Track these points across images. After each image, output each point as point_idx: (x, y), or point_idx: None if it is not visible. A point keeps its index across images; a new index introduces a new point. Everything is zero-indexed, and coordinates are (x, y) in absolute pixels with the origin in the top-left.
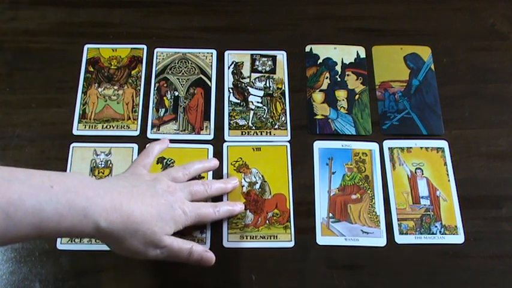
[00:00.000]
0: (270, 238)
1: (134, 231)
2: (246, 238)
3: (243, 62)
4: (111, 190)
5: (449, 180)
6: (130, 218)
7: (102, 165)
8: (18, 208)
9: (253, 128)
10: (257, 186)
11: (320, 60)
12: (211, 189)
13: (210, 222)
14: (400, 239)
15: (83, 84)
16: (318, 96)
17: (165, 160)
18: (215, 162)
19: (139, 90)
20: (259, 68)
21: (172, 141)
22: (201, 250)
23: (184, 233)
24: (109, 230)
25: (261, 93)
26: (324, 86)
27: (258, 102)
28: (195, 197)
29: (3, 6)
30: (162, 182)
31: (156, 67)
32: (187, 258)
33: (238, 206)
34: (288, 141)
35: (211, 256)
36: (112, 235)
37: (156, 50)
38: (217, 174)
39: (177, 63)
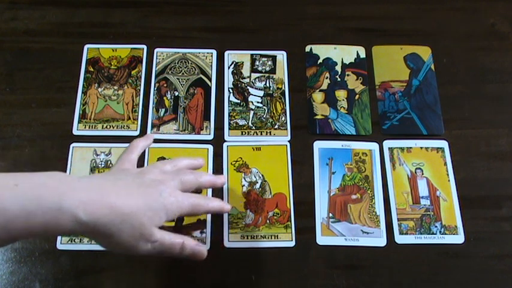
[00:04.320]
0: (271, 238)
1: (120, 223)
2: (247, 238)
3: (243, 62)
4: (90, 183)
5: (449, 180)
6: (114, 209)
7: (102, 166)
8: None
9: (253, 128)
10: (257, 185)
11: (320, 60)
12: (201, 178)
13: (202, 213)
14: (400, 239)
15: (83, 84)
16: (318, 96)
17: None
18: (201, 161)
19: (139, 90)
20: (259, 68)
21: (172, 141)
22: (193, 244)
23: (184, 233)
24: (92, 224)
25: (261, 93)
26: (324, 86)
27: (258, 102)
28: (186, 185)
29: (3, 6)
30: (150, 172)
31: (156, 67)
32: (180, 253)
33: (228, 205)
34: (288, 141)
35: (203, 250)
36: (97, 229)
37: (156, 50)
38: (218, 174)
39: (177, 63)
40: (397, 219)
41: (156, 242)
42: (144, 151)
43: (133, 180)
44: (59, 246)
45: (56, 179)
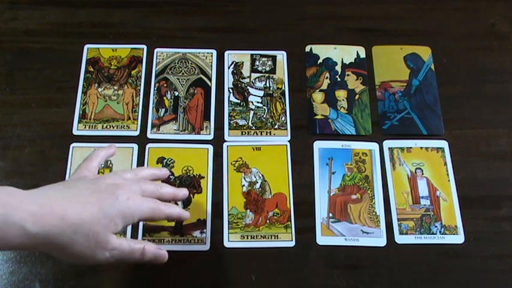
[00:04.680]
0: (271, 238)
1: (73, 233)
2: (247, 238)
3: (243, 62)
4: (39, 195)
5: (449, 180)
6: (65, 219)
7: (102, 165)
8: None
9: (253, 128)
10: (257, 185)
11: (320, 60)
12: (162, 189)
13: (161, 219)
14: (400, 239)
15: (83, 84)
16: (318, 96)
17: (165, 160)
18: (165, 172)
19: (139, 90)
20: (259, 68)
21: (172, 141)
22: (154, 249)
23: (184, 233)
24: (42, 236)
25: (261, 93)
26: (324, 86)
27: (258, 102)
28: (146, 194)
29: (3, 6)
30: (107, 178)
31: (156, 67)
32: (141, 258)
33: (187, 214)
34: (288, 141)
35: (164, 254)
36: (48, 241)
37: (156, 50)
38: (218, 174)
39: (177, 63)
40: (397, 219)
41: (114, 249)
42: (144, 151)
43: (86, 187)
44: None
45: (2, 192)
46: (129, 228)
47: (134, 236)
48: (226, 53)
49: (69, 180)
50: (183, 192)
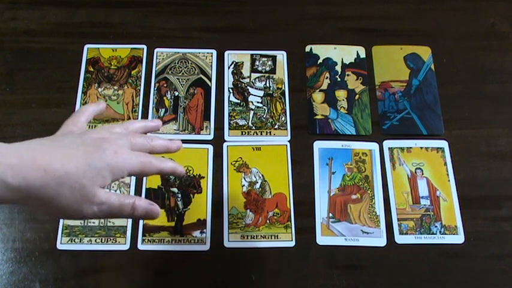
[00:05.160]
0: (271, 238)
1: (57, 186)
2: (247, 238)
3: (243, 62)
4: (22, 148)
5: (449, 180)
6: (48, 171)
7: None
8: None
9: (253, 128)
10: (257, 185)
11: (320, 60)
12: (153, 142)
13: (153, 173)
14: (400, 239)
15: (83, 84)
16: (318, 96)
17: None
18: (157, 123)
19: (139, 90)
20: (259, 68)
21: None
22: (145, 204)
23: (184, 233)
24: (24, 189)
25: (261, 93)
26: (324, 86)
27: (258, 102)
28: (135, 148)
29: (3, 6)
30: (94, 132)
31: (156, 67)
32: (131, 214)
33: (181, 168)
34: (288, 141)
35: (156, 209)
36: (31, 194)
37: (156, 50)
38: (218, 174)
39: (177, 63)
40: (397, 219)
41: (102, 204)
42: None
43: (72, 141)
44: (59, 246)
45: None
46: (129, 228)
47: (134, 235)
48: (226, 53)
49: (55, 135)
50: (177, 144)
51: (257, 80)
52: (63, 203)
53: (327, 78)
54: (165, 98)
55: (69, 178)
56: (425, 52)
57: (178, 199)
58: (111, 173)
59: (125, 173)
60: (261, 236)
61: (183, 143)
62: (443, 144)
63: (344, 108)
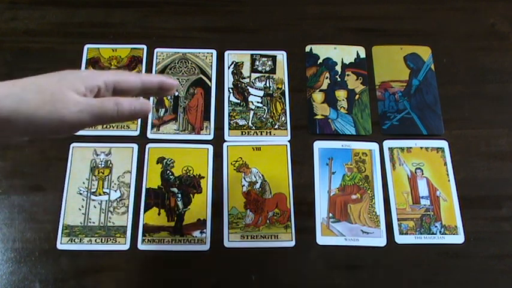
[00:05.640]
0: (271, 238)
1: (22, 91)
2: (247, 238)
3: (243, 62)
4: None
5: (449, 180)
6: (16, 83)
7: (102, 165)
8: None
9: (253, 128)
10: (257, 185)
11: (320, 60)
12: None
13: (135, 85)
14: (400, 239)
15: None
16: (318, 96)
17: (165, 160)
18: (176, 82)
19: None
20: (259, 68)
21: (172, 141)
22: (130, 100)
23: (184, 233)
24: None
25: (261, 93)
26: (324, 86)
27: (258, 102)
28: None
29: (3, 6)
30: None
31: (156, 67)
32: (118, 111)
33: (170, 80)
34: (288, 141)
35: (145, 103)
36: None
37: (156, 50)
38: (218, 174)
39: (177, 63)
40: (397, 219)
41: (79, 103)
42: (144, 151)
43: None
44: (59, 246)
45: None
46: (129, 228)
47: (134, 235)
48: (226, 53)
49: None
50: (172, 81)
51: (257, 80)
52: (31, 107)
53: (327, 78)
54: (165, 98)
55: (34, 82)
56: (425, 52)
57: (178, 199)
58: (82, 81)
59: (100, 81)
60: (261, 236)
61: (183, 143)
62: (443, 144)
63: (344, 108)
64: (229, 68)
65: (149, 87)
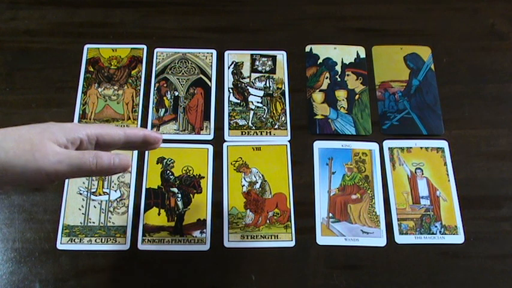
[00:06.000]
0: (271, 238)
1: (1, 140)
2: (247, 238)
3: (243, 62)
4: None
5: (449, 180)
6: None
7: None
8: None
9: (253, 128)
10: (257, 185)
11: (320, 60)
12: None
13: (119, 138)
14: (400, 239)
15: (83, 84)
16: (318, 96)
17: (165, 160)
18: (160, 136)
19: (139, 90)
20: (259, 68)
21: (172, 141)
22: (109, 154)
23: (184, 233)
24: None
25: (261, 93)
26: (324, 86)
27: (258, 102)
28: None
29: (3, 6)
30: None
31: (156, 67)
32: (96, 163)
33: (154, 134)
34: (288, 141)
35: (125, 159)
36: None
37: (156, 50)
38: (218, 174)
39: (177, 63)
40: (397, 219)
41: (58, 154)
42: (144, 151)
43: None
44: (59, 246)
45: None
46: (129, 228)
47: (134, 235)
48: (226, 53)
49: None
50: (156, 134)
51: (257, 80)
52: (10, 156)
53: (327, 78)
54: (165, 98)
55: (13, 131)
56: (425, 52)
57: (178, 199)
58: (63, 132)
59: (81, 133)
60: (261, 236)
61: (183, 143)
62: (443, 144)
63: (344, 108)
64: (229, 68)
65: (133, 141)
